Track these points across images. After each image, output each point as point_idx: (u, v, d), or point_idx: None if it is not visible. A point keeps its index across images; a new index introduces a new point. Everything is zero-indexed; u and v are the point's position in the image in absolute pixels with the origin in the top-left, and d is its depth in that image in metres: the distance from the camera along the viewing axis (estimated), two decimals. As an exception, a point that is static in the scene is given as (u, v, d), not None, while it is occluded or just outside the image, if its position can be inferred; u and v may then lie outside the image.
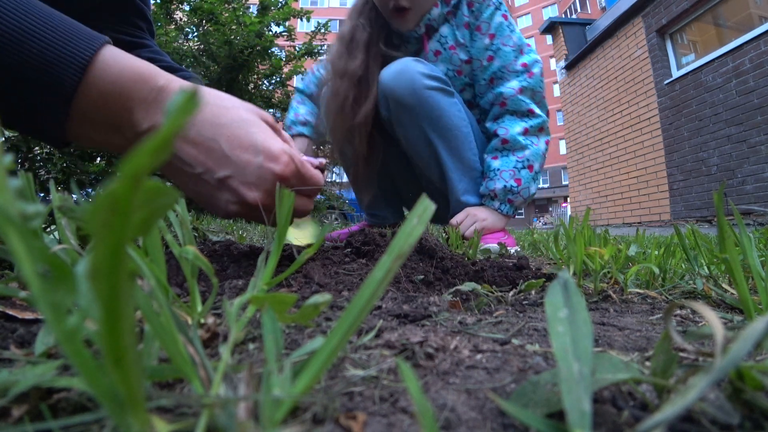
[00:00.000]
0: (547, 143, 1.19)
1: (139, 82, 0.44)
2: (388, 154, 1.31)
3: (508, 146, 1.16)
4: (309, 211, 0.57)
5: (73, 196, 0.46)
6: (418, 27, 1.22)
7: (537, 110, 1.17)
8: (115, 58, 0.43)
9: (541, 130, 1.17)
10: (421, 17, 1.21)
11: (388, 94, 1.13)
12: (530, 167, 1.14)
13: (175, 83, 0.46)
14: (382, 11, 1.21)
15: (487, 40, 1.17)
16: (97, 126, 0.45)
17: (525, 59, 1.18)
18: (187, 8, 4.69)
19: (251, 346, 0.26)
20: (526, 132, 1.15)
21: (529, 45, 1.22)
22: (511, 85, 1.16)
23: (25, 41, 0.39)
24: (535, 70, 1.18)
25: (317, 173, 0.56)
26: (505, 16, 1.18)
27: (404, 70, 1.10)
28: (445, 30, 1.23)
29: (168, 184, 0.12)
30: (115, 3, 0.82)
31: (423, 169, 1.25)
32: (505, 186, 1.13)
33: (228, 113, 0.49)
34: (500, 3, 1.19)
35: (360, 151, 1.21)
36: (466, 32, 1.21)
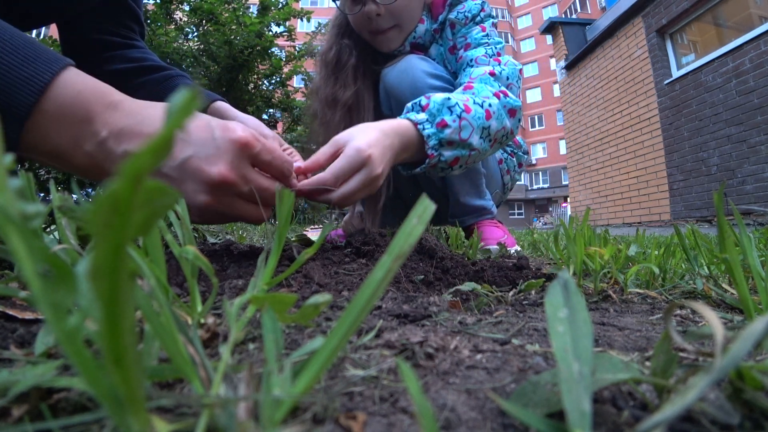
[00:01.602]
0: (513, 130, 0.93)
1: (98, 96, 0.45)
2: None
3: (469, 92, 0.89)
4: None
5: (73, 196, 0.46)
6: (403, 46, 1.14)
7: (510, 94, 0.94)
8: (74, 79, 0.45)
9: (513, 112, 0.90)
10: (406, 36, 1.12)
11: (390, 93, 1.09)
12: (488, 113, 0.84)
13: (128, 100, 0.48)
14: (361, 34, 1.12)
15: (462, 51, 1.09)
16: (58, 140, 0.45)
17: (499, 59, 1.04)
18: (187, 8, 4.69)
19: (251, 346, 0.26)
20: (497, 96, 0.90)
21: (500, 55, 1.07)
22: (481, 70, 0.98)
23: None
24: (508, 60, 1.04)
25: (284, 155, 0.55)
26: (483, 28, 1.07)
27: (408, 69, 1.05)
28: (433, 51, 1.17)
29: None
30: (110, 6, 0.84)
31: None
32: (447, 100, 0.79)
33: None
34: (482, 18, 1.08)
35: None
36: (452, 57, 1.14)
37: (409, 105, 0.83)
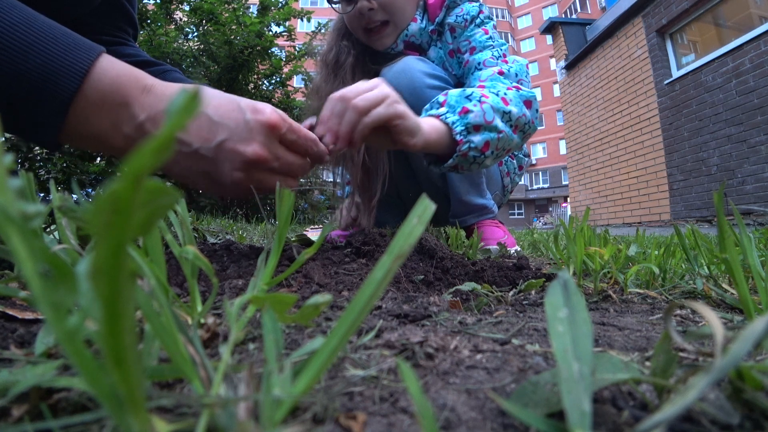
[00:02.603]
0: (534, 120, 0.92)
1: (133, 81, 0.48)
2: (389, 157, 1.30)
3: (486, 85, 0.92)
4: (306, 171, 0.59)
5: (74, 196, 0.46)
6: (395, 44, 1.17)
7: (523, 87, 0.95)
8: (111, 64, 0.47)
9: (528, 103, 0.91)
10: (399, 33, 1.15)
11: None
12: (504, 100, 0.85)
13: (159, 84, 0.50)
14: (355, 33, 1.16)
15: (468, 55, 1.11)
16: (98, 124, 0.47)
17: (506, 60, 1.07)
18: (187, 8, 4.69)
19: (251, 346, 0.26)
20: (509, 89, 0.91)
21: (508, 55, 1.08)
22: (490, 71, 1.00)
23: (29, 53, 0.42)
24: (514, 59, 1.04)
25: (309, 132, 0.59)
26: (485, 30, 1.09)
27: (405, 69, 1.07)
28: (432, 54, 1.19)
29: (169, 184, 0.12)
30: (106, 9, 0.87)
31: (424, 169, 1.24)
32: (464, 92, 0.82)
33: (208, 91, 0.54)
34: (482, 20, 1.10)
35: (361, 177, 1.16)
36: (452, 60, 1.16)
37: (427, 106, 0.84)
